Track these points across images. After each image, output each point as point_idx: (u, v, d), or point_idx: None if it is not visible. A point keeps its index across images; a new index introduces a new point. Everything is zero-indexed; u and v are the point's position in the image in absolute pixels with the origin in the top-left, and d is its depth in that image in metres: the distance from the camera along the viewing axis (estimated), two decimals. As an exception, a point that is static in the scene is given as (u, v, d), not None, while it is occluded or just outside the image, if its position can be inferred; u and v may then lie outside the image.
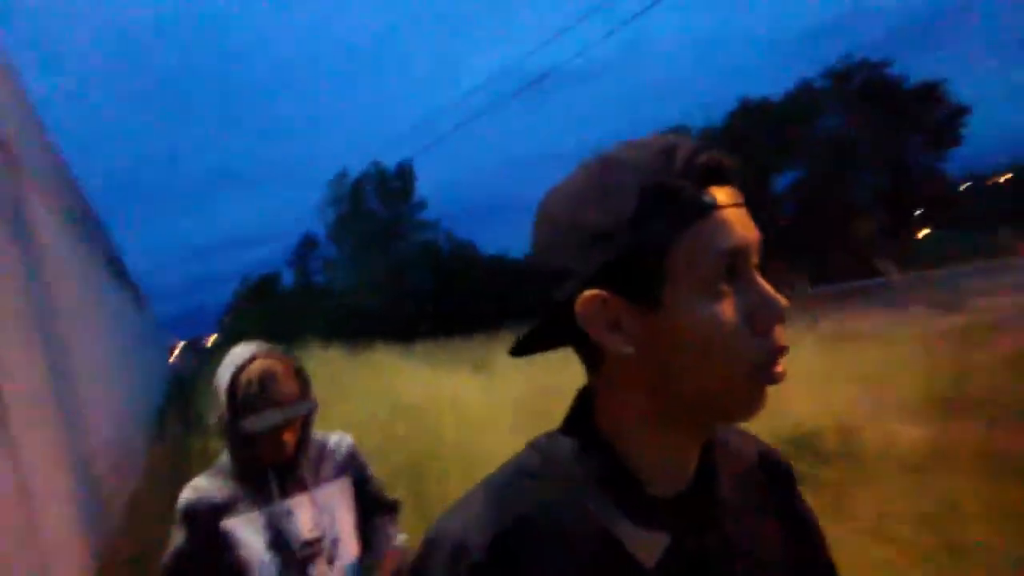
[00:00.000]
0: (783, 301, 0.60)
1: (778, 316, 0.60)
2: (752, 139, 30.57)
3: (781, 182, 31.68)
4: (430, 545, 0.63)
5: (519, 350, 0.70)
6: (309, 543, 1.55)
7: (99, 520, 4.28)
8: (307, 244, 41.23)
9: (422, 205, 32.49)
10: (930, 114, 29.33)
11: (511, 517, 0.62)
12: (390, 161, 32.87)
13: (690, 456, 0.67)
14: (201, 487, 1.56)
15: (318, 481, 1.62)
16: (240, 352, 1.58)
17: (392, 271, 29.25)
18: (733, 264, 0.60)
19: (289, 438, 1.55)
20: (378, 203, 32.06)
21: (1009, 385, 4.59)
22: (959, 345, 6.13)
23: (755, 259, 0.62)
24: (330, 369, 9.34)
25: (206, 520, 1.51)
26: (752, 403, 0.61)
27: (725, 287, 0.59)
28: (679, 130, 32.26)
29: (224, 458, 1.61)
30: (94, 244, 8.43)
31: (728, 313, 0.59)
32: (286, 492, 1.58)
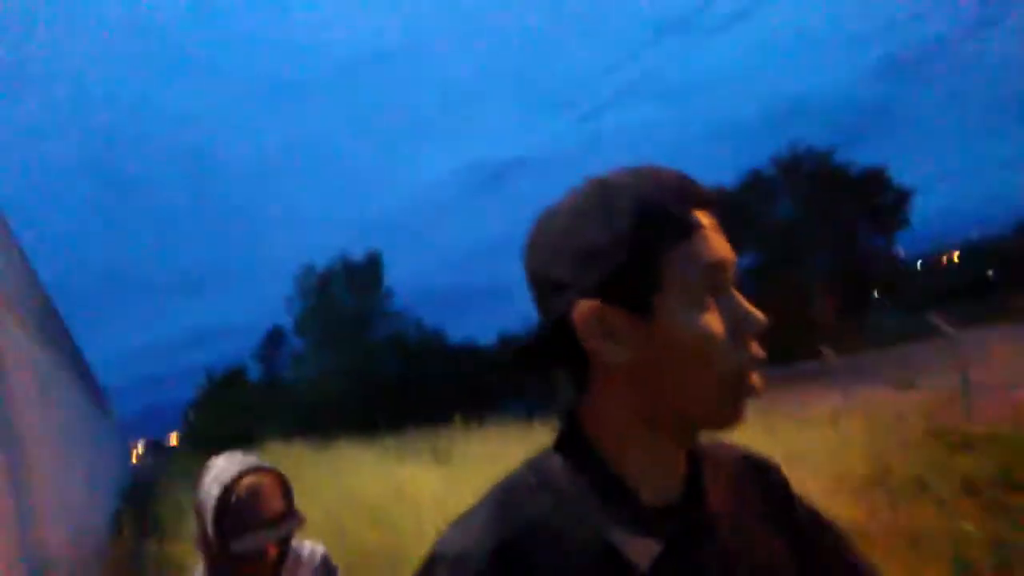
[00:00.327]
0: (762, 316, 0.66)
1: (758, 328, 0.66)
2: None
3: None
4: (434, 558, 0.66)
5: (516, 365, 0.74)
6: None
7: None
8: (274, 338, 40.98)
9: (390, 295, 32.75)
10: (876, 198, 30.71)
11: (511, 528, 0.65)
12: (357, 252, 33.17)
13: (677, 466, 0.70)
14: None
15: None
16: (226, 467, 1.57)
17: (358, 362, 29.10)
18: (716, 278, 0.66)
19: (273, 554, 1.57)
20: (346, 295, 32.23)
21: (941, 463, 4.83)
22: (902, 424, 6.39)
23: (733, 279, 0.68)
24: (292, 466, 9.29)
25: None
26: (732, 412, 0.66)
27: (710, 299, 0.65)
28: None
29: (199, 573, 1.61)
30: (56, 347, 8.46)
31: (714, 322, 0.65)
32: None
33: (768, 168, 33.34)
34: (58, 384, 8.01)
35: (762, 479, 0.79)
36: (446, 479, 7.42)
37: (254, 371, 42.46)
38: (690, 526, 0.67)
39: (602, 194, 0.67)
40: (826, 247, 31.00)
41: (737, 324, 0.65)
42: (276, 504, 1.53)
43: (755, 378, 0.66)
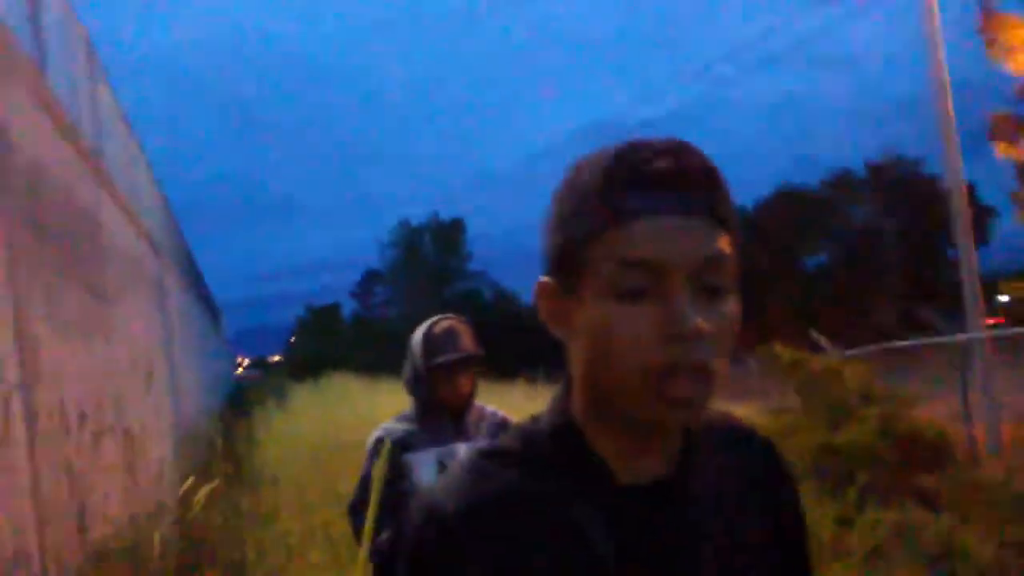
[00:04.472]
0: (694, 319, 0.58)
1: (683, 331, 0.58)
2: (785, 224, 32.66)
3: (811, 264, 33.64)
4: (412, 508, 0.69)
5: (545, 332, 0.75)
6: None
7: (182, 455, 7.27)
8: (369, 279, 44.96)
9: (470, 257, 35.48)
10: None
11: (482, 491, 0.65)
12: (458, 208, 36.15)
13: (651, 446, 0.66)
14: (389, 427, 2.04)
15: (478, 434, 2.02)
16: (433, 317, 2.08)
17: (436, 314, 32.02)
18: (640, 276, 0.60)
19: (463, 382, 1.99)
20: (432, 252, 35.23)
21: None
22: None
23: (691, 273, 0.60)
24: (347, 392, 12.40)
25: (391, 451, 1.82)
26: (657, 411, 0.60)
27: (637, 294, 0.60)
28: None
29: (409, 409, 2.06)
30: (192, 282, 11.77)
31: (628, 317, 0.60)
32: (455, 437, 1.98)
33: (857, 170, 33.62)
34: (194, 313, 11.35)
35: (754, 457, 0.76)
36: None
37: (348, 306, 46.98)
38: (661, 506, 0.65)
39: (572, 172, 0.66)
40: (900, 254, 31.30)
41: (663, 322, 0.59)
42: (467, 341, 2.01)
43: (679, 385, 0.59)
